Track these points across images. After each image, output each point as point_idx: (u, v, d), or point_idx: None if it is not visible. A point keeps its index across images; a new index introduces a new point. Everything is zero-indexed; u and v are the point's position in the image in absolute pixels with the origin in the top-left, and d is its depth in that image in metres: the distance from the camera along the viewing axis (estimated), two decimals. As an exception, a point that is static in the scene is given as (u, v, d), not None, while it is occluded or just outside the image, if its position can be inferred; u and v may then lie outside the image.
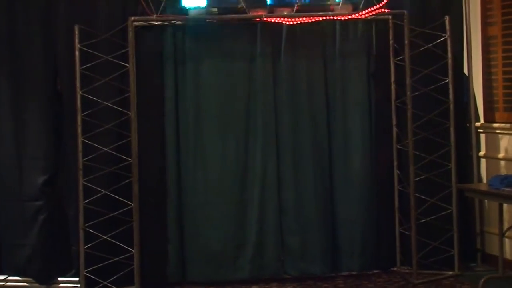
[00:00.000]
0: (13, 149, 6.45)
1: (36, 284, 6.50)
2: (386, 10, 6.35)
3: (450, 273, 6.45)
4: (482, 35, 6.77)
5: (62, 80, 6.44)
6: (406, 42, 6.27)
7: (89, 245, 6.16)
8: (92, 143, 6.20)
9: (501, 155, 6.59)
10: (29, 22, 6.40)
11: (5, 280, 6.53)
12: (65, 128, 6.45)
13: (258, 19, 6.33)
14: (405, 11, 6.33)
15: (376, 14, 6.34)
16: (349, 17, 6.31)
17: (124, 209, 6.21)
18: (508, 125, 6.51)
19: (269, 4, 6.32)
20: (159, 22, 6.37)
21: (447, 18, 6.48)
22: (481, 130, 6.82)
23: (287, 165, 6.59)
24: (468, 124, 6.80)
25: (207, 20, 6.36)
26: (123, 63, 6.22)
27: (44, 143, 6.44)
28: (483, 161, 6.81)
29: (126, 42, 6.19)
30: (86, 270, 6.17)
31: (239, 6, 6.24)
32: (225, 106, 6.55)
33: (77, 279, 6.29)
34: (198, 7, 6.23)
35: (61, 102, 6.46)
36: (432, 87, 6.44)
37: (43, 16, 6.41)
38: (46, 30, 6.42)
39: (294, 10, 6.27)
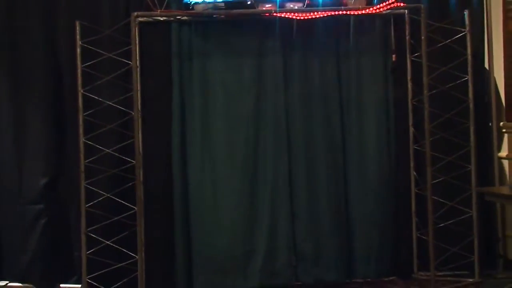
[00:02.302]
0: (13, 150, 6.29)
1: (37, 291, 6.34)
2: (402, 4, 6.12)
3: (470, 280, 6.20)
4: (504, 30, 6.47)
5: (63, 79, 6.24)
6: (422, 37, 5.99)
7: (91, 250, 5.97)
8: (94, 144, 6.01)
9: (525, 157, 6.31)
10: (29, 17, 6.23)
11: (5, 287, 6.37)
12: (66, 129, 6.25)
13: (267, 14, 6.08)
14: (422, 5, 6.07)
15: (391, 8, 6.11)
16: (363, 11, 6.05)
17: (128, 213, 5.98)
18: (533, 125, 6.22)
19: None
20: (164, 18, 6.15)
21: (466, 12, 6.20)
22: (504, 130, 6.51)
23: (299, 166, 6.35)
24: (490, 124, 6.51)
25: (214, 16, 6.12)
26: (127, 61, 6.00)
27: (45, 144, 6.26)
28: (505, 162, 6.52)
29: (130, 38, 5.96)
30: (89, 277, 5.99)
31: (248, 0, 6.02)
32: (233, 105, 6.31)
33: (79, 285, 6.12)
34: (204, 2, 6.00)
35: (63, 101, 6.26)
36: (451, 85, 6.18)
37: (44, 11, 6.23)
38: (46, 26, 6.25)
39: (305, 4, 6.04)
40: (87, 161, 5.98)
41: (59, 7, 6.21)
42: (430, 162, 6.00)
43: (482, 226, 6.30)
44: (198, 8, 6.04)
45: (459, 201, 6.19)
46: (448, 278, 6.19)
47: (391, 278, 6.39)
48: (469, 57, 6.19)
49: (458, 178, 6.19)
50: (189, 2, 6.05)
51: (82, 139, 5.96)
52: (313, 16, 6.06)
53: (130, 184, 6.00)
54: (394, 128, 6.41)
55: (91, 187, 5.98)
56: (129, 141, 6.01)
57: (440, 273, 6.15)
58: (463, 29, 6.19)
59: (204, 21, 6.23)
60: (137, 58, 5.99)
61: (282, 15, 6.06)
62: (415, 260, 6.37)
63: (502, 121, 6.50)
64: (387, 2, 6.07)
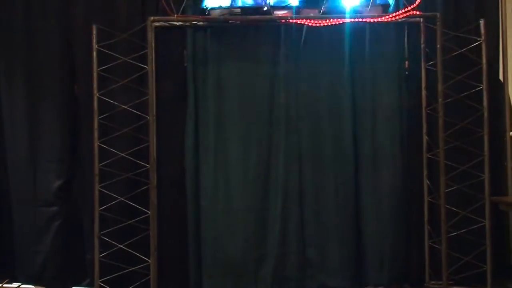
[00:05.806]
0: (27, 152, 6.29)
1: (50, 293, 6.35)
2: (417, 13, 6.10)
3: (483, 290, 6.19)
4: (519, 40, 6.47)
5: (78, 82, 6.28)
6: (438, 46, 6.00)
7: (104, 253, 6.00)
8: (109, 148, 6.03)
9: (539, 166, 6.28)
10: (46, 21, 6.25)
11: (18, 288, 6.39)
12: (81, 132, 6.29)
13: (283, 21, 6.09)
14: (438, 14, 6.07)
15: (407, 16, 6.10)
16: (379, 19, 6.06)
17: (141, 217, 6.00)
18: (546, 135, 6.20)
19: (295, 5, 6.07)
20: (180, 23, 6.17)
21: (482, 21, 6.20)
22: (517, 140, 6.51)
23: (311, 173, 6.34)
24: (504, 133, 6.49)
25: (230, 21, 6.13)
26: (142, 65, 6.03)
27: (59, 146, 6.28)
28: (518, 172, 6.50)
29: (146, 43, 5.99)
30: (101, 280, 6.01)
31: (264, 7, 6.04)
32: (247, 111, 6.32)
33: (92, 288, 6.14)
34: (221, 7, 6.03)
35: (78, 104, 6.30)
36: (465, 93, 6.16)
37: (60, 14, 6.26)
38: (63, 29, 6.27)
39: (321, 11, 6.05)
40: (101, 164, 6.00)
41: (76, 10, 6.24)
42: (444, 171, 6.00)
43: (495, 236, 6.26)
44: (215, 14, 6.07)
45: (472, 210, 6.16)
46: (460, 288, 6.19)
47: (402, 286, 6.37)
48: (484, 66, 6.18)
49: (472, 187, 6.18)
50: (205, 7, 6.08)
51: (96, 143, 5.98)
52: (329, 23, 6.07)
53: (144, 188, 6.02)
54: (407, 136, 6.38)
55: (105, 191, 6.00)
56: (143, 145, 6.03)
57: (452, 282, 6.14)
58: (478, 38, 6.19)
59: (219, 27, 6.23)
60: (153, 62, 6.01)
61: (298, 22, 6.07)
62: (427, 269, 6.33)
63: (516, 130, 6.51)
64: (403, 10, 6.07)
